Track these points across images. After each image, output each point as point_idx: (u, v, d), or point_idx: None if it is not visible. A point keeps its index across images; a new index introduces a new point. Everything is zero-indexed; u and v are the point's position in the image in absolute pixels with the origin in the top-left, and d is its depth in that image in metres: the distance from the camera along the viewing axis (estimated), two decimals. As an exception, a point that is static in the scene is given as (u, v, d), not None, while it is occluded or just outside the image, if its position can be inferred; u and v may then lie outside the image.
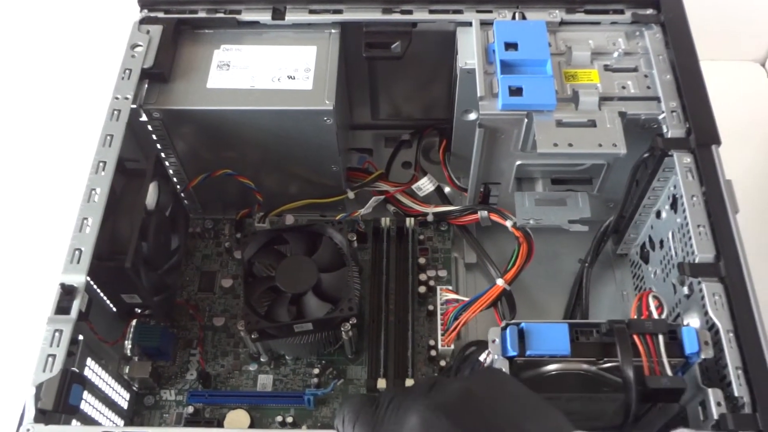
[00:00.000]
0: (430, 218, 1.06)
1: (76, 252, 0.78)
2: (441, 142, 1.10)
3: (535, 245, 0.96)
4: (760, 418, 0.67)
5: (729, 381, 0.70)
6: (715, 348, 0.71)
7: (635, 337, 0.71)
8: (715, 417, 0.68)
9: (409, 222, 1.04)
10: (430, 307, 1.00)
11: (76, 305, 0.75)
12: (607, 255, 1.06)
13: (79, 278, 0.76)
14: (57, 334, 0.73)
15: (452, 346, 0.94)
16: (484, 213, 1.01)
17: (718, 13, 1.33)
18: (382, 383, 0.93)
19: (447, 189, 1.10)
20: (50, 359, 0.72)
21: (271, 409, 0.95)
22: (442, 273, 1.04)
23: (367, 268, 1.04)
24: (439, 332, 0.95)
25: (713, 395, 0.69)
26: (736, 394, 0.69)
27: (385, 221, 1.04)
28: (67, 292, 0.76)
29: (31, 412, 0.70)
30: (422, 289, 1.01)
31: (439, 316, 0.96)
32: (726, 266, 0.75)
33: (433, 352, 0.97)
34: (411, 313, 0.98)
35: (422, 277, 1.02)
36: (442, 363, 0.96)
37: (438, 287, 0.99)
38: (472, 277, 1.07)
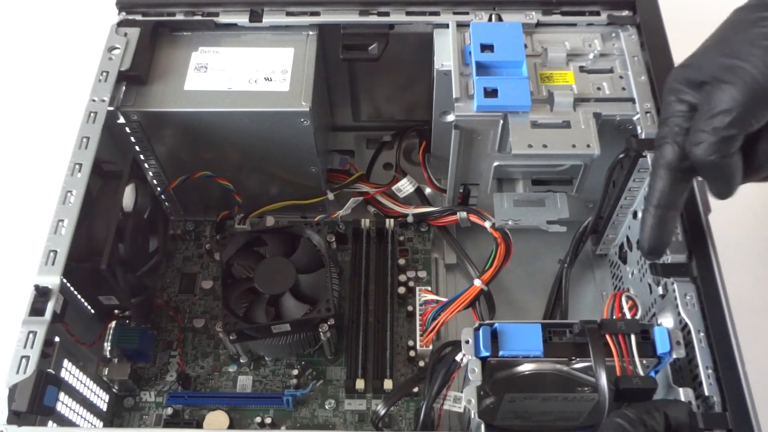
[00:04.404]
0: (410, 219, 1.07)
1: (51, 254, 0.78)
2: (421, 144, 1.10)
3: (513, 246, 0.96)
4: (729, 417, 0.68)
5: (700, 380, 0.70)
6: (687, 347, 0.72)
7: (608, 337, 0.71)
8: (686, 416, 0.69)
9: (389, 223, 1.04)
10: (410, 308, 1.01)
11: (50, 307, 0.75)
12: (587, 255, 1.06)
13: (53, 280, 0.76)
14: (31, 335, 0.74)
15: (431, 347, 0.95)
16: (464, 214, 1.01)
17: (719, 18, 1.32)
18: (360, 384, 0.93)
19: (427, 190, 1.10)
20: (24, 360, 0.72)
21: (251, 410, 0.95)
22: (422, 274, 1.04)
23: (347, 270, 1.04)
24: (418, 333, 0.95)
25: (684, 394, 0.70)
26: (706, 393, 0.69)
27: (365, 222, 1.04)
28: (42, 294, 0.76)
29: (4, 414, 0.70)
30: (402, 290, 1.01)
31: (417, 317, 0.96)
32: (698, 266, 0.75)
33: (412, 353, 0.97)
34: (390, 314, 0.99)
35: (402, 278, 1.02)
36: (421, 363, 0.97)
37: (417, 288, 0.99)
38: (452, 277, 1.07)
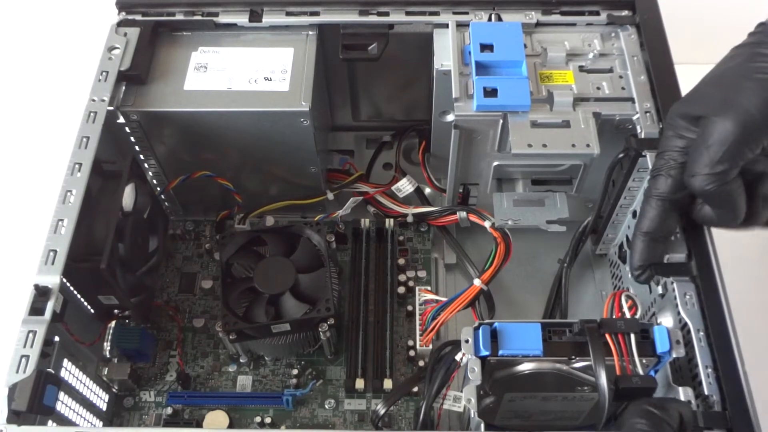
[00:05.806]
0: (409, 219, 1.07)
1: (51, 253, 0.78)
2: (421, 144, 1.10)
3: (513, 245, 0.96)
4: (729, 416, 0.68)
5: (700, 380, 0.70)
6: (687, 347, 0.72)
7: (607, 336, 0.71)
8: (685, 415, 0.69)
9: (389, 223, 1.04)
10: (410, 308, 1.01)
11: (50, 306, 0.75)
12: (586, 255, 1.06)
13: (53, 279, 0.76)
14: (31, 335, 0.74)
15: (430, 346, 0.95)
16: (463, 214, 1.01)
17: (717, 18, 1.32)
18: (360, 383, 0.93)
19: (427, 190, 1.10)
20: (24, 360, 0.72)
21: (250, 410, 0.95)
22: (422, 274, 1.04)
23: (347, 269, 1.04)
24: (418, 332, 0.95)
25: (683, 393, 0.70)
26: (706, 392, 0.69)
27: (365, 222, 1.05)
28: (41, 294, 0.76)
29: (4, 413, 0.70)
30: (401, 289, 1.01)
31: (417, 317, 0.96)
32: (697, 265, 0.75)
33: (411, 353, 0.97)
34: (390, 313, 0.99)
35: (402, 277, 1.02)
36: (421, 363, 0.97)
37: (417, 288, 0.99)
38: (452, 277, 1.07)
